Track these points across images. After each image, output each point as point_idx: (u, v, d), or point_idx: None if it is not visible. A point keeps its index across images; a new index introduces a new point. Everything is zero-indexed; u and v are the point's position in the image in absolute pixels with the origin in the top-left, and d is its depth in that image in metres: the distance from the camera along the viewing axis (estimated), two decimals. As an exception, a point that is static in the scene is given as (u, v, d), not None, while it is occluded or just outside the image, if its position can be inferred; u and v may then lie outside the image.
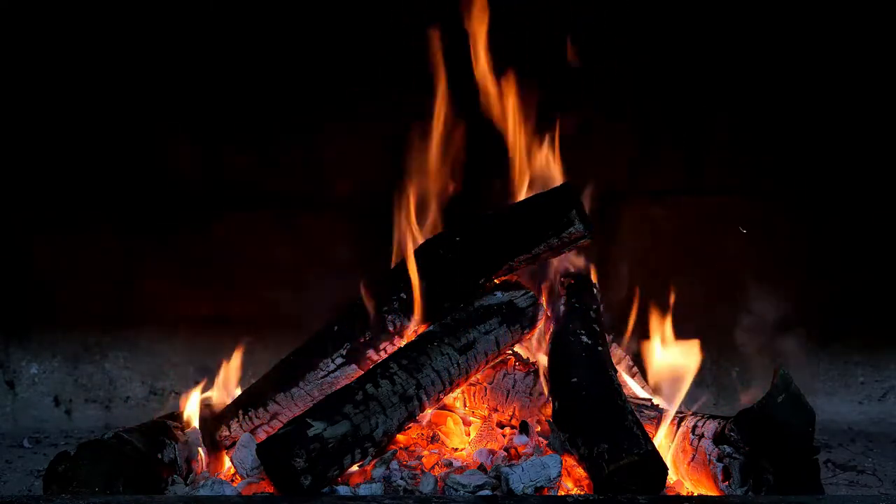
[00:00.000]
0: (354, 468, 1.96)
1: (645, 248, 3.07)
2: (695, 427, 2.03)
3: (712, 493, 1.93)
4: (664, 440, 2.09)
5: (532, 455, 2.04)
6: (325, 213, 3.06)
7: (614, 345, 2.44)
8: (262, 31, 2.97)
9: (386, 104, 2.95)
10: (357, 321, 2.25)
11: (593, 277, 2.53)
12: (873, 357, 3.11)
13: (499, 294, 2.24)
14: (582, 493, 1.94)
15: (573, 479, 1.99)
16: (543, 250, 2.23)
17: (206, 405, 2.30)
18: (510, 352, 2.29)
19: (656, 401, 2.25)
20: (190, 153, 3.04)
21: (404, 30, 2.85)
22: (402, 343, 2.22)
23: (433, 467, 2.05)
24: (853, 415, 3.06)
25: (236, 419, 2.21)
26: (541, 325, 2.30)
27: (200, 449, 2.15)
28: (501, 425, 2.25)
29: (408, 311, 2.23)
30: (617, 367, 2.24)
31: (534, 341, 2.36)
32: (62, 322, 3.05)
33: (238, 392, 2.35)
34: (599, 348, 2.19)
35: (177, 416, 2.21)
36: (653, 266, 3.04)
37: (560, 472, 1.91)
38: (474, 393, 2.31)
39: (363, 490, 1.90)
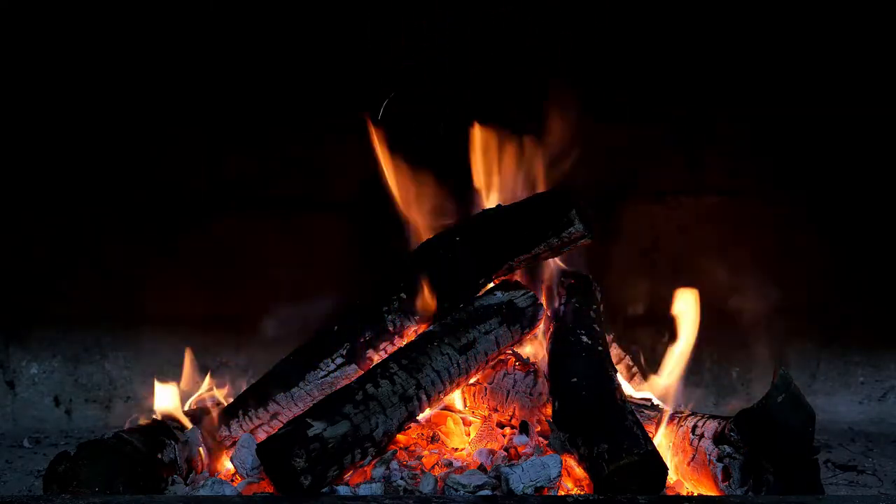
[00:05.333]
0: (355, 468, 1.96)
1: (645, 248, 3.07)
2: (695, 427, 2.03)
3: (712, 493, 1.94)
4: (664, 440, 2.09)
5: (532, 455, 2.04)
6: (325, 214, 3.06)
7: (614, 345, 2.44)
8: (263, 33, 2.96)
9: (387, 105, 2.95)
10: (357, 321, 2.25)
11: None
12: (873, 357, 3.11)
13: (499, 294, 2.24)
14: (582, 493, 1.94)
15: (573, 479, 1.99)
16: (543, 250, 2.23)
17: (205, 405, 2.31)
18: (510, 352, 2.29)
19: (656, 401, 2.26)
20: (190, 154, 3.04)
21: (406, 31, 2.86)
22: (402, 343, 2.22)
23: (433, 467, 2.05)
24: (853, 415, 3.06)
25: (236, 419, 2.21)
26: (541, 325, 2.31)
27: (200, 449, 2.15)
28: (501, 425, 2.25)
29: (408, 311, 2.23)
30: (617, 367, 2.24)
31: (534, 341, 2.36)
32: (62, 322, 3.05)
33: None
34: (599, 348, 2.19)
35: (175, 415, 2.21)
36: (652, 266, 3.04)
37: (560, 472, 1.91)
38: (474, 393, 2.31)
39: (363, 490, 1.90)
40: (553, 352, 2.22)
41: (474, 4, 2.84)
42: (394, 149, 2.51)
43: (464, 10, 2.80)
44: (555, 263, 2.44)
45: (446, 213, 2.46)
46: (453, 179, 2.49)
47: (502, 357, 2.27)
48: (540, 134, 2.51)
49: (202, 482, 2.00)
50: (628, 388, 2.35)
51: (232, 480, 2.08)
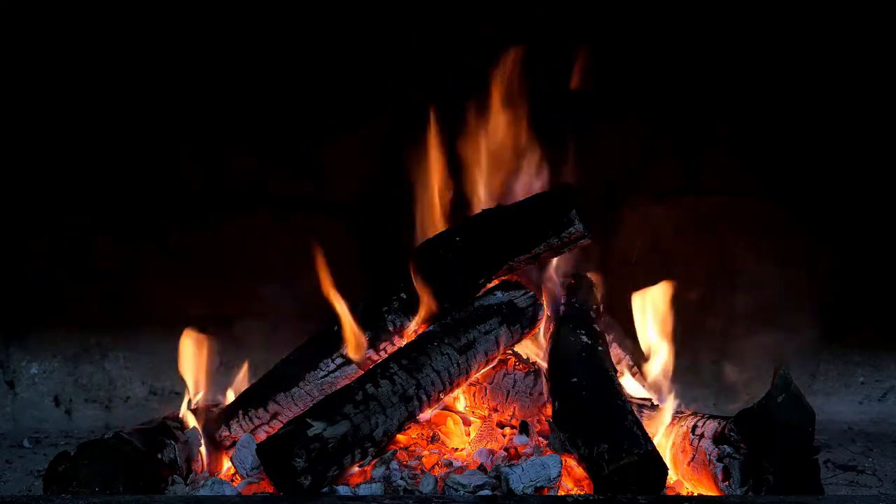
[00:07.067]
0: (354, 468, 1.96)
1: (644, 248, 3.07)
2: (695, 427, 2.03)
3: (712, 493, 1.94)
4: (664, 440, 2.09)
5: (532, 455, 2.04)
6: (324, 214, 3.06)
7: (614, 345, 2.44)
8: (263, 31, 2.96)
9: (386, 105, 2.95)
10: (357, 321, 2.25)
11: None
12: (873, 357, 3.11)
13: (499, 294, 2.24)
14: (582, 493, 1.94)
15: (573, 479, 1.99)
16: (543, 250, 2.23)
17: (205, 405, 2.31)
18: (510, 352, 2.29)
19: (656, 401, 2.26)
20: (190, 154, 3.04)
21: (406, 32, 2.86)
22: (402, 343, 2.22)
23: (433, 467, 2.05)
24: (853, 415, 3.06)
25: (236, 419, 2.21)
26: (541, 324, 2.30)
27: (200, 449, 2.15)
28: (501, 425, 2.25)
29: (408, 311, 2.23)
30: (617, 367, 2.24)
31: (534, 341, 2.36)
32: (62, 322, 3.05)
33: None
34: (599, 348, 2.19)
35: (177, 416, 2.21)
36: (652, 266, 3.04)
37: (560, 472, 1.91)
38: (474, 393, 2.31)
39: (363, 490, 1.90)
40: (553, 352, 2.22)
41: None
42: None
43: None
44: (555, 263, 2.43)
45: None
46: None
47: (502, 357, 2.27)
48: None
49: (202, 482, 2.00)
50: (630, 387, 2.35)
51: (232, 480, 2.08)
